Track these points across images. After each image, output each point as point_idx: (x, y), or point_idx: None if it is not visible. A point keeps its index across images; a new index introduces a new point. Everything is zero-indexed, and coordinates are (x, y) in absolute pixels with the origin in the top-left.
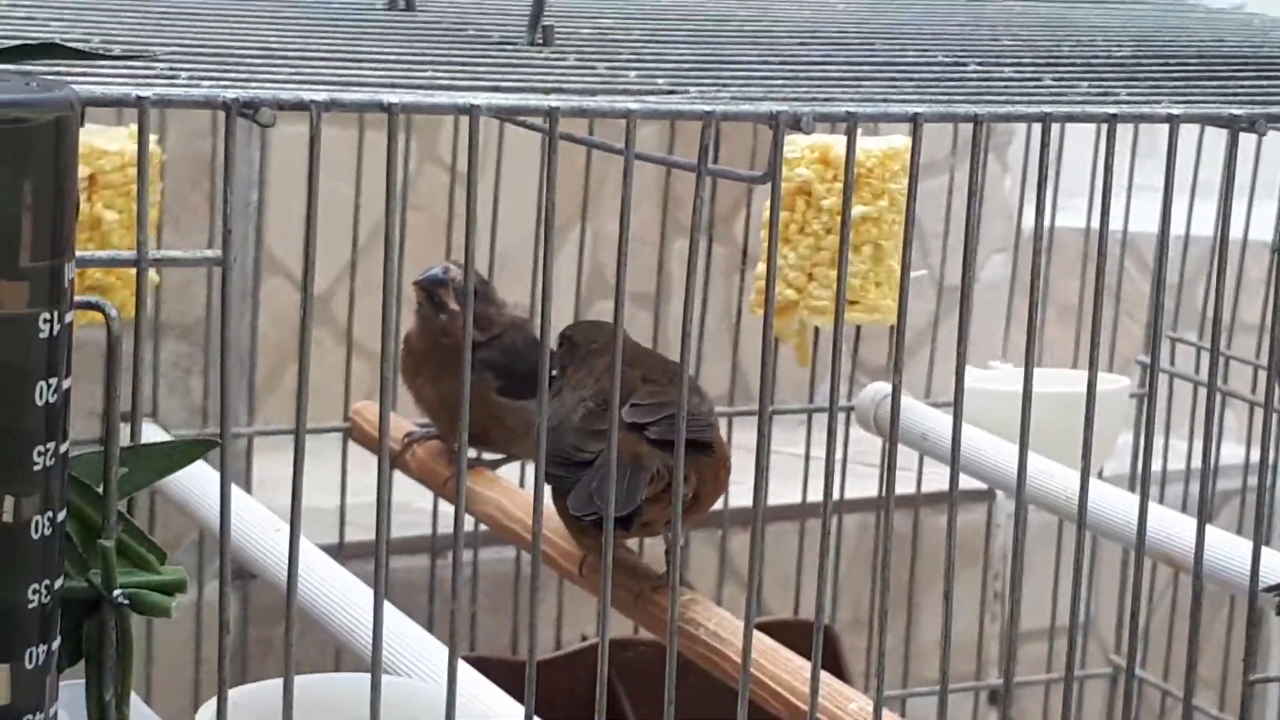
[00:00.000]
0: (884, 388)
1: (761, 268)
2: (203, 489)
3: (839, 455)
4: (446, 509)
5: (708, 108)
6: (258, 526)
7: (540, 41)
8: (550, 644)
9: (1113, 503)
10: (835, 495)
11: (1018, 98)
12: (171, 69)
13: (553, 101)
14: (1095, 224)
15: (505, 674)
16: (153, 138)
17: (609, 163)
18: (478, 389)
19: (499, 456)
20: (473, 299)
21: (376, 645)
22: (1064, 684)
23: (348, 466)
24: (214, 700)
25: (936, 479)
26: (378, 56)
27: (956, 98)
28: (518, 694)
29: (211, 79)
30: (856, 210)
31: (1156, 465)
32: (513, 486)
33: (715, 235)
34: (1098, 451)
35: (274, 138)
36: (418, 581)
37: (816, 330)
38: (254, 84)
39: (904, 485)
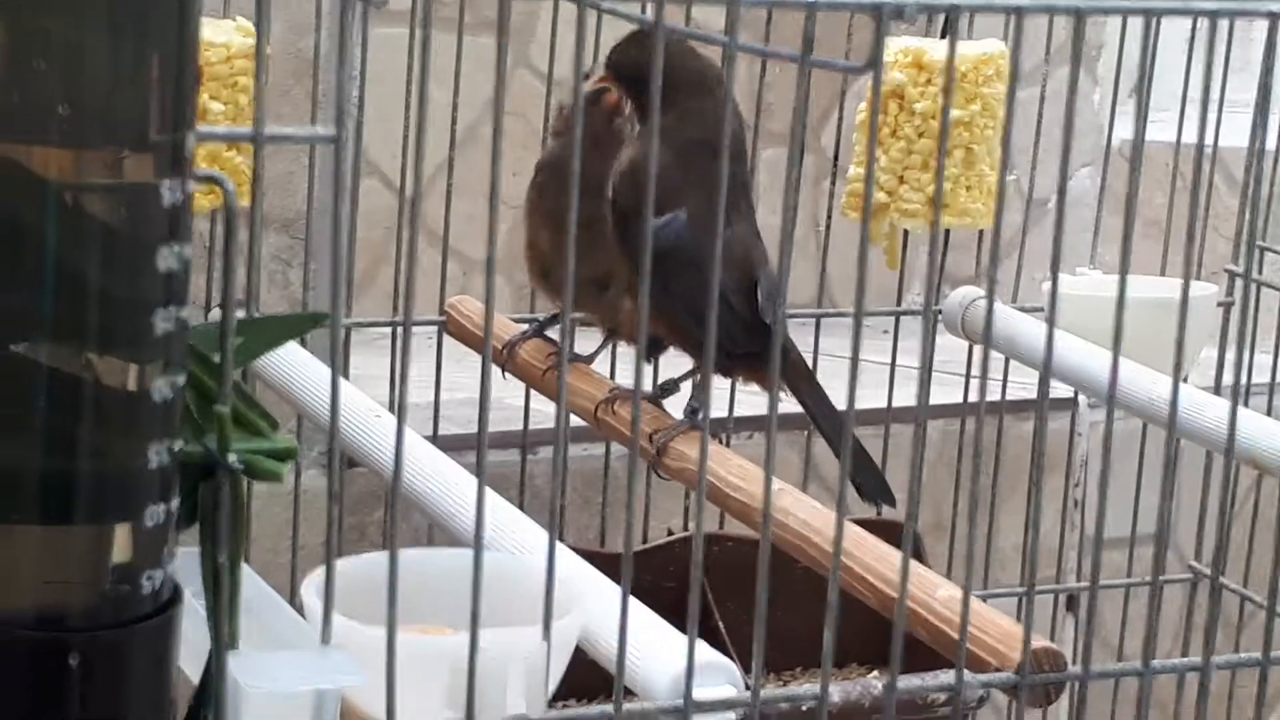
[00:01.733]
0: (971, 292)
1: (854, 171)
2: (301, 374)
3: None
4: (538, 405)
5: None
6: (358, 412)
7: None
8: (636, 538)
9: (1201, 406)
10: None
11: None
12: None
13: None
14: (1185, 137)
15: (595, 565)
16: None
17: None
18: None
19: (595, 348)
20: None
21: (479, 521)
22: (1150, 589)
23: (442, 361)
24: (321, 569)
25: (1019, 388)
26: None
27: None
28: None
29: None
30: (954, 113)
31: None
32: (605, 380)
33: (804, 143)
34: (1185, 357)
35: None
36: (510, 476)
37: (906, 233)
38: None
39: (989, 391)
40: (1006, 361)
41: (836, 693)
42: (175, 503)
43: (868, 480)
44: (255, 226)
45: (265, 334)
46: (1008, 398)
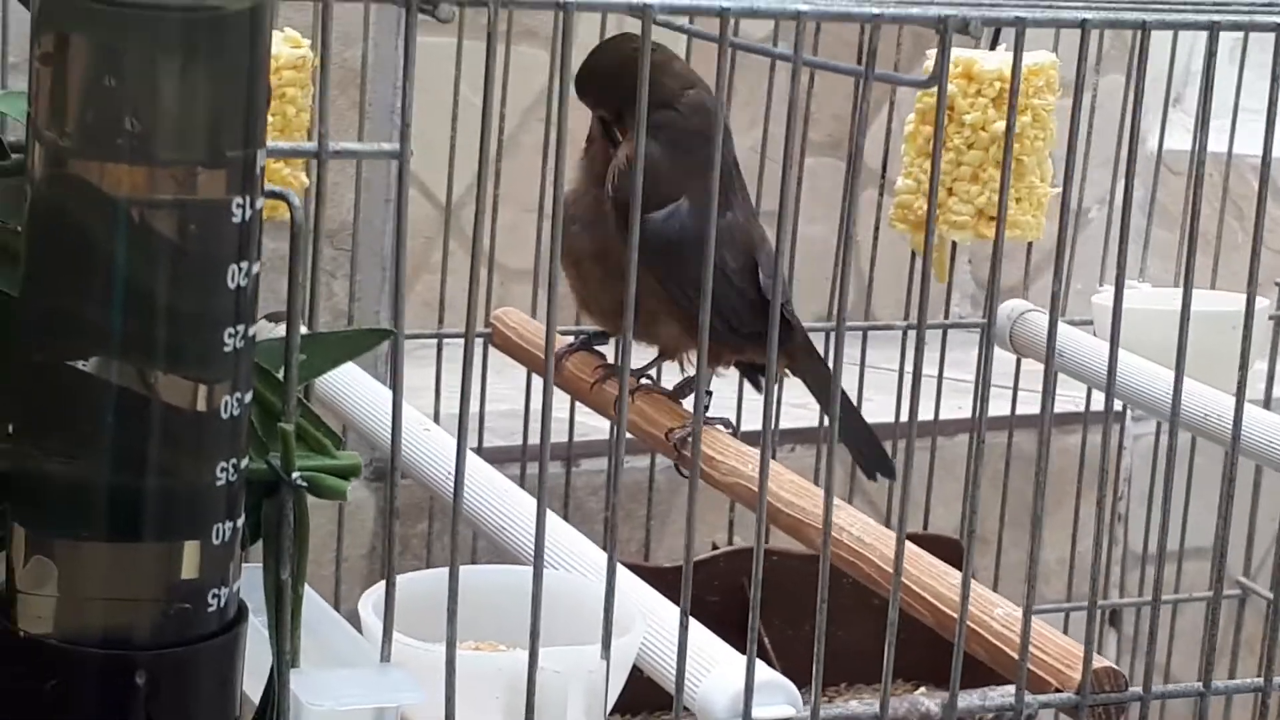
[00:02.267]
0: (1019, 305)
1: (902, 182)
2: (347, 384)
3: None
4: (583, 417)
5: (875, 10)
6: (408, 425)
7: None
8: (681, 550)
9: (1259, 424)
10: (967, 413)
11: (1182, 5)
12: None
13: (725, 2)
14: (1236, 148)
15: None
16: (305, 41)
17: (742, 70)
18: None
19: (646, 363)
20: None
21: (539, 539)
22: (1206, 606)
23: (487, 373)
24: (378, 586)
25: (1064, 400)
26: None
27: (1122, 5)
28: None
29: None
30: (998, 125)
31: None
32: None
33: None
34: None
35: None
36: (554, 489)
37: (954, 245)
38: None
39: (1033, 405)
40: (1052, 373)
41: (897, 708)
42: (241, 520)
43: (869, 452)
44: (315, 242)
45: (329, 351)
46: (1056, 410)
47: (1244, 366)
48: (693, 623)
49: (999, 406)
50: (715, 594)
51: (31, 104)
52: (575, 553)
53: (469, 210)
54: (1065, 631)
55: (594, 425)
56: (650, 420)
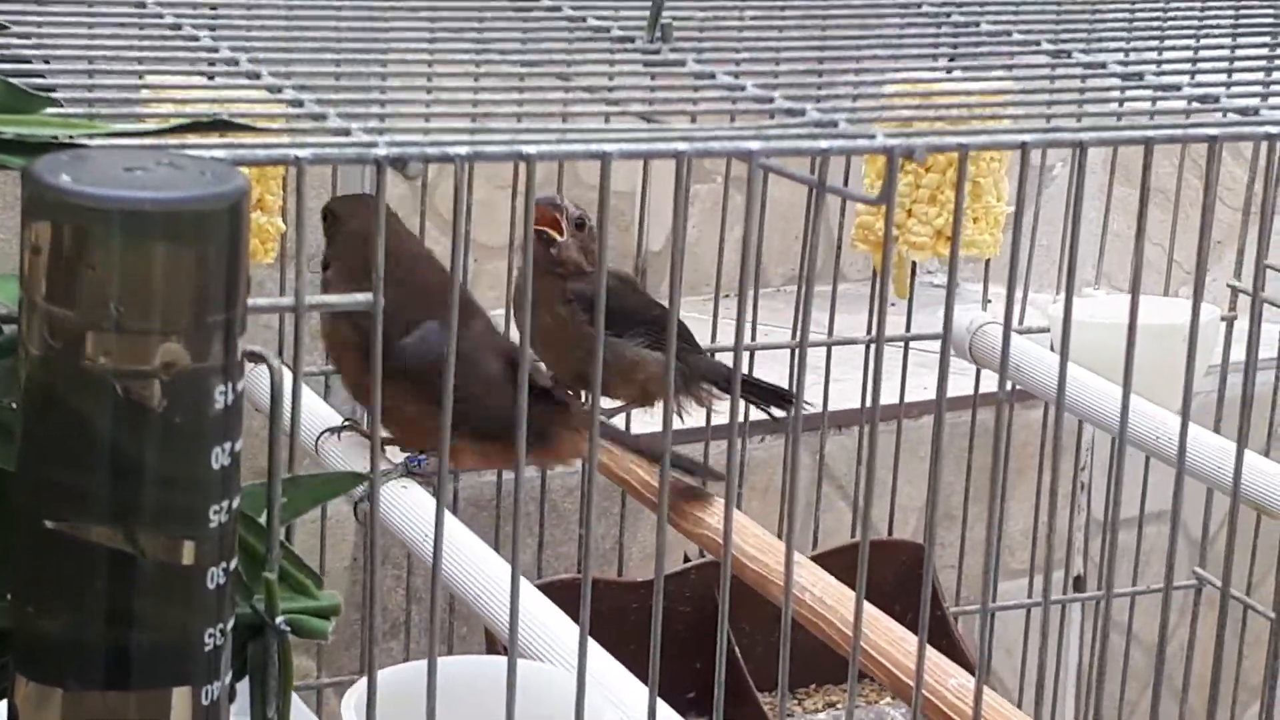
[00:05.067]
0: (979, 317)
1: (861, 206)
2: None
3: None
4: None
5: (825, 145)
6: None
7: (660, 38)
8: (651, 561)
9: (1205, 449)
10: (931, 394)
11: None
12: (320, 104)
13: (679, 146)
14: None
15: (613, 594)
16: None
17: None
18: (572, 323)
19: (616, 404)
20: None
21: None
22: (1161, 596)
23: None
24: (360, 684)
25: None
26: (504, 60)
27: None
28: (624, 612)
29: (355, 118)
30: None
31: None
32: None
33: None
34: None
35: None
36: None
37: (914, 264)
38: (395, 124)
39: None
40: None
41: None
42: (229, 677)
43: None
44: (297, 392)
45: (308, 493)
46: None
47: (1188, 390)
48: (662, 708)
49: (961, 385)
50: (687, 604)
51: (23, 288)
52: (549, 633)
53: (444, 189)
54: (1026, 623)
55: None
56: None
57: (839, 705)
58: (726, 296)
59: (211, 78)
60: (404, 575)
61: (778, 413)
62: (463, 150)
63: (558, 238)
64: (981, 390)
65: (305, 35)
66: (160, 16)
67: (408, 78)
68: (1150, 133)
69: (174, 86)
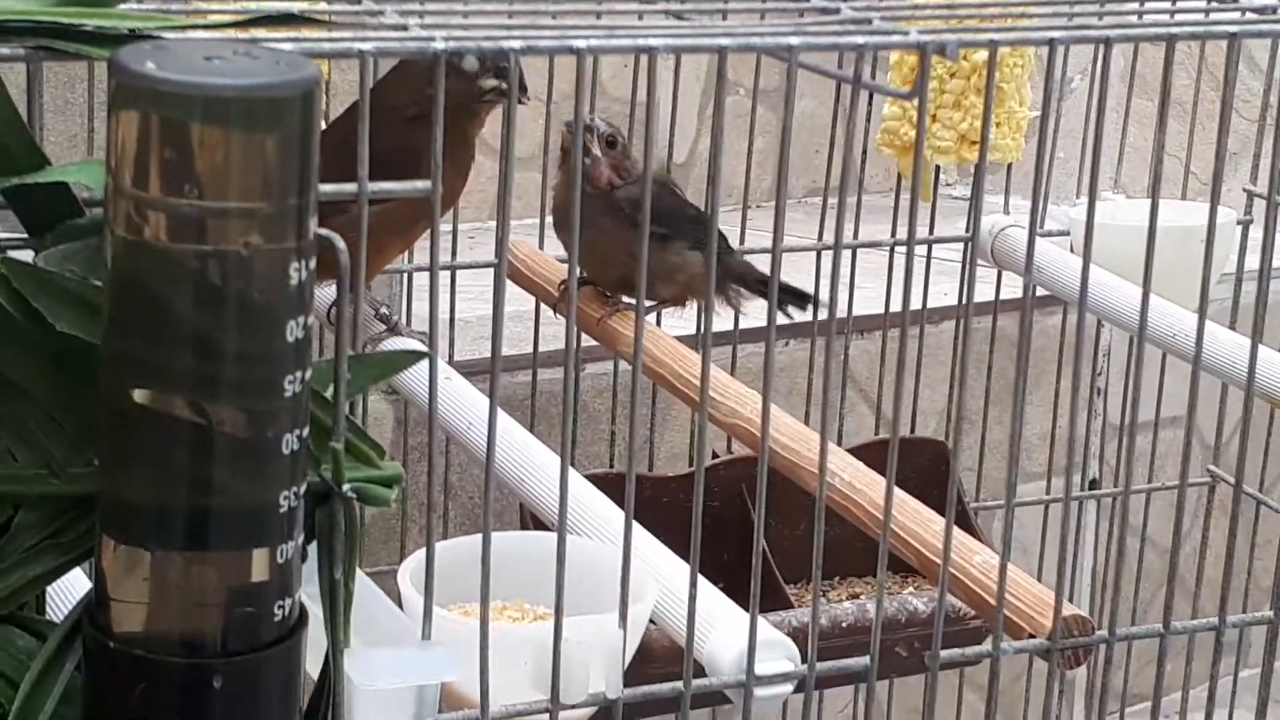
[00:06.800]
0: (1000, 220)
1: (888, 109)
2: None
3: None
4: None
5: (861, 40)
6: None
7: None
8: (685, 459)
9: (1221, 344)
10: (953, 300)
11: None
12: (402, 15)
13: (722, 41)
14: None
15: (645, 488)
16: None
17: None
18: (618, 230)
19: (651, 303)
20: (606, 150)
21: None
22: (1176, 495)
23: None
24: (416, 555)
25: None
26: None
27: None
28: (656, 505)
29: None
30: (979, 55)
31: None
32: (652, 327)
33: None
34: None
35: None
36: (555, 393)
37: (937, 167)
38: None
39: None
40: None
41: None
42: (302, 538)
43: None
44: (356, 273)
45: (371, 370)
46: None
47: (1204, 294)
48: (705, 586)
49: (982, 291)
50: (716, 499)
51: (109, 172)
52: (592, 513)
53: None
54: (1044, 525)
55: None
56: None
57: (862, 596)
58: (750, 207)
59: None
60: (441, 471)
61: (797, 314)
62: (516, 44)
63: (594, 149)
64: (1003, 296)
65: None
66: None
67: None
68: (1173, 29)
69: None
